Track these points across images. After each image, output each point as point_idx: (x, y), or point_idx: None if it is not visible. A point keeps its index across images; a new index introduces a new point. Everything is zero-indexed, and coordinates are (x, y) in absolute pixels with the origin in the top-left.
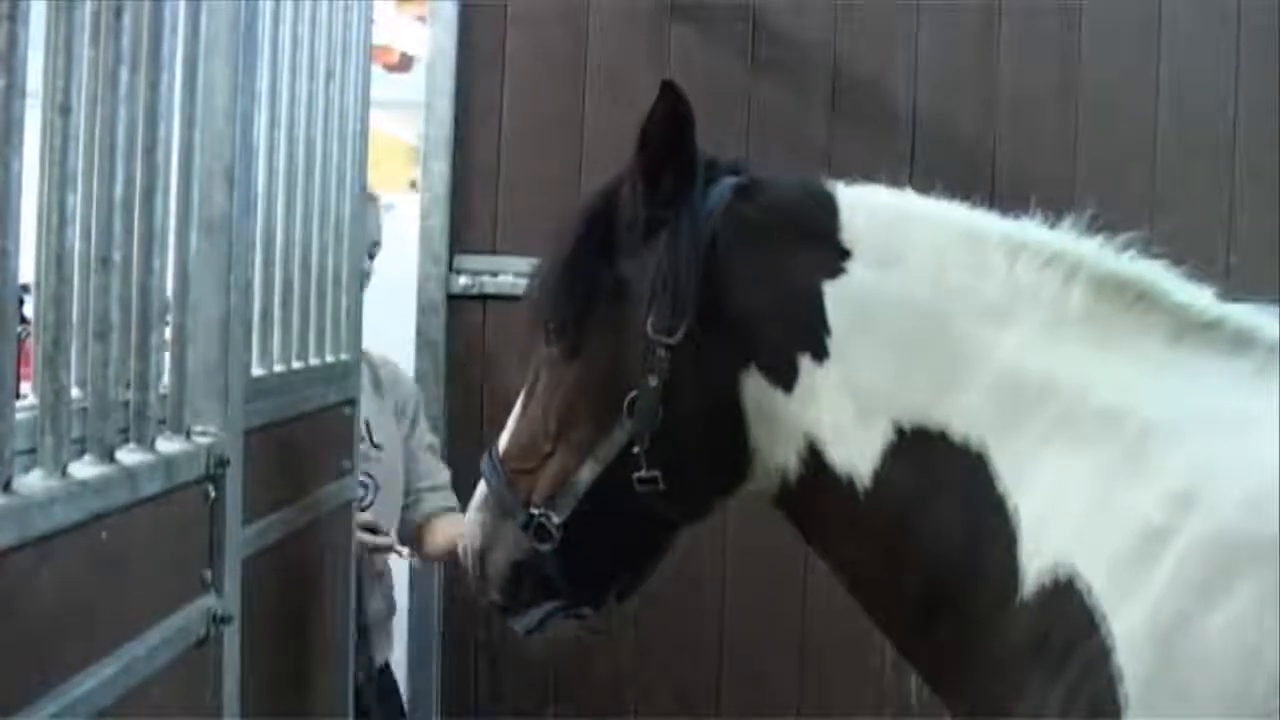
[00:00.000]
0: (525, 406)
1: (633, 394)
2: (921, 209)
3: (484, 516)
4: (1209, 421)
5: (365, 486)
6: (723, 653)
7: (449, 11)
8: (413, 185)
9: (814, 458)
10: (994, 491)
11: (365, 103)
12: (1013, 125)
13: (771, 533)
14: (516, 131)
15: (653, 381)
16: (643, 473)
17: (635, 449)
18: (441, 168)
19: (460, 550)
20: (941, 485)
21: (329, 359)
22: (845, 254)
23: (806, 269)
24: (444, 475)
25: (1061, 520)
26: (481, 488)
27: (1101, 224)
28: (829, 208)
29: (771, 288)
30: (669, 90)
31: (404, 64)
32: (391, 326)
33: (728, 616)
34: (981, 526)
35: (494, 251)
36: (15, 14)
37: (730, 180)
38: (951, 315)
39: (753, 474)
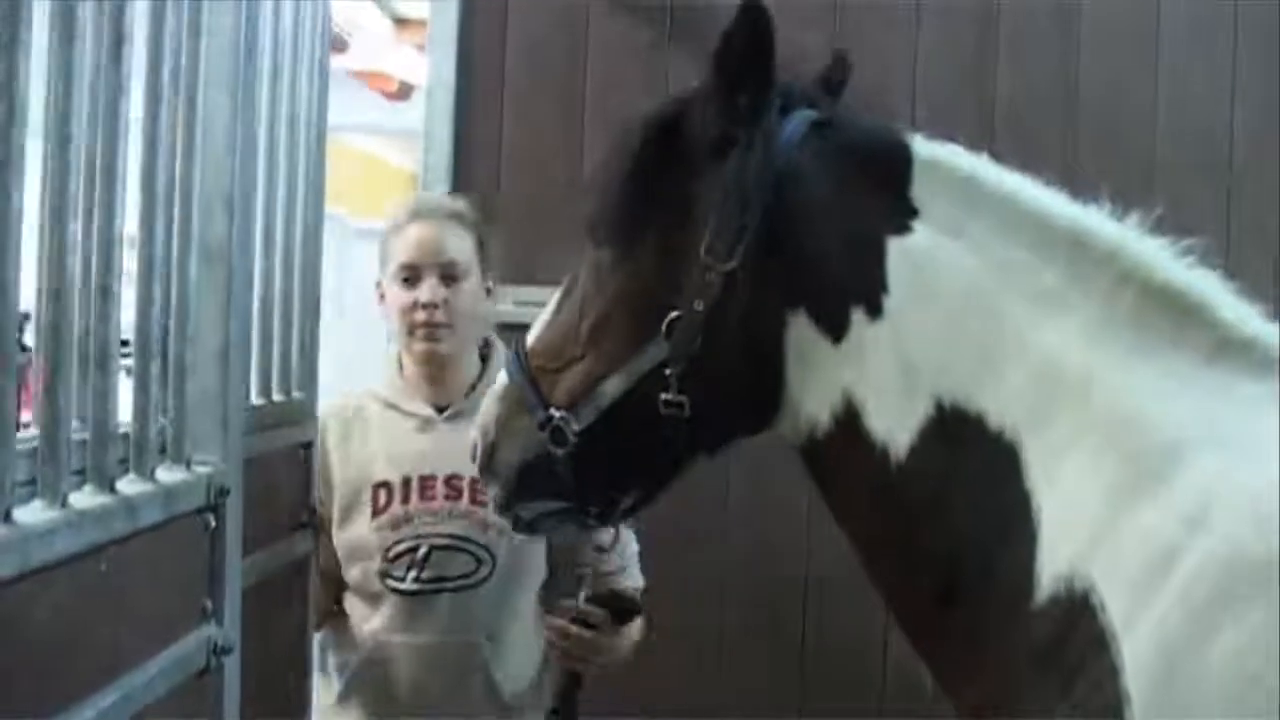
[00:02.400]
0: (560, 305)
1: (674, 315)
2: (995, 180)
3: (501, 409)
4: (1227, 443)
5: (479, 561)
6: (723, 653)
7: (448, 40)
8: None
9: (849, 417)
10: (1020, 486)
11: (322, 114)
12: (1010, 141)
13: (775, 533)
14: (515, 160)
15: (698, 306)
16: (670, 395)
17: (667, 370)
18: None
19: (471, 442)
20: (971, 471)
21: (277, 397)
22: (913, 212)
23: (873, 220)
24: (631, 549)
25: (1080, 528)
26: (502, 379)
27: (1169, 223)
28: (904, 160)
29: (836, 232)
30: (753, 7)
31: (403, 92)
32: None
33: (728, 616)
34: (1004, 521)
35: None
36: (15, 44)
37: (808, 113)
38: (1005, 296)
39: (780, 419)
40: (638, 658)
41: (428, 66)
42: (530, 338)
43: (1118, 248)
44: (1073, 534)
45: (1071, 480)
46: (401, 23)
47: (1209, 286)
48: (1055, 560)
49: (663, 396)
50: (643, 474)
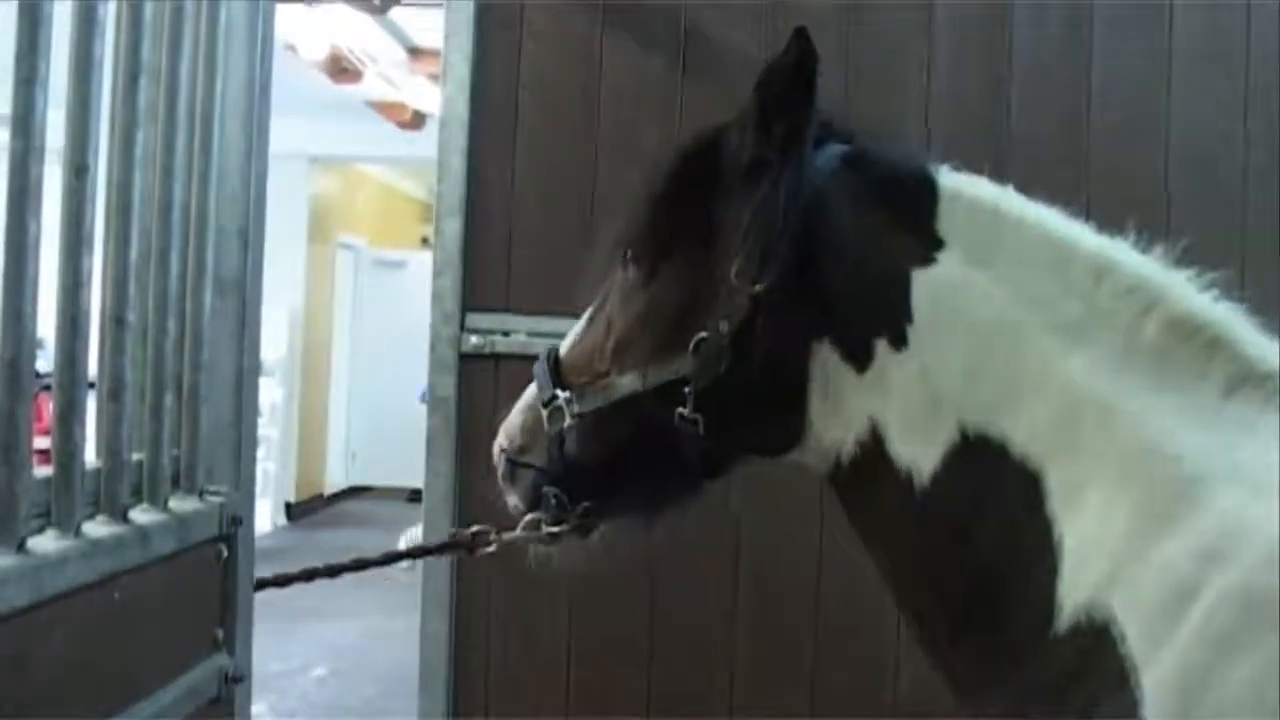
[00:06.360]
0: (590, 322)
1: (701, 335)
2: (1019, 211)
3: (526, 417)
4: (1246, 477)
5: None
6: (736, 655)
7: (462, 70)
8: (424, 242)
9: (875, 444)
10: (1043, 514)
11: (261, 142)
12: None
13: (784, 537)
14: (528, 191)
15: (724, 328)
16: (686, 411)
17: (687, 388)
18: (454, 226)
19: (496, 447)
20: (995, 498)
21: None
22: (939, 244)
23: (899, 252)
24: None
25: (1100, 558)
26: (532, 389)
27: (1191, 257)
28: (930, 194)
29: (861, 264)
30: (800, 36)
31: (416, 121)
32: (403, 384)
33: (739, 620)
34: (1027, 548)
35: (506, 310)
36: (34, 78)
37: (839, 147)
38: (1029, 326)
39: (804, 445)
40: (648, 670)
41: (441, 99)
42: (563, 348)
43: (1141, 280)
44: (1093, 564)
45: (1093, 510)
46: (415, 52)
47: (1231, 320)
48: (1076, 589)
49: (679, 410)
50: (636, 480)
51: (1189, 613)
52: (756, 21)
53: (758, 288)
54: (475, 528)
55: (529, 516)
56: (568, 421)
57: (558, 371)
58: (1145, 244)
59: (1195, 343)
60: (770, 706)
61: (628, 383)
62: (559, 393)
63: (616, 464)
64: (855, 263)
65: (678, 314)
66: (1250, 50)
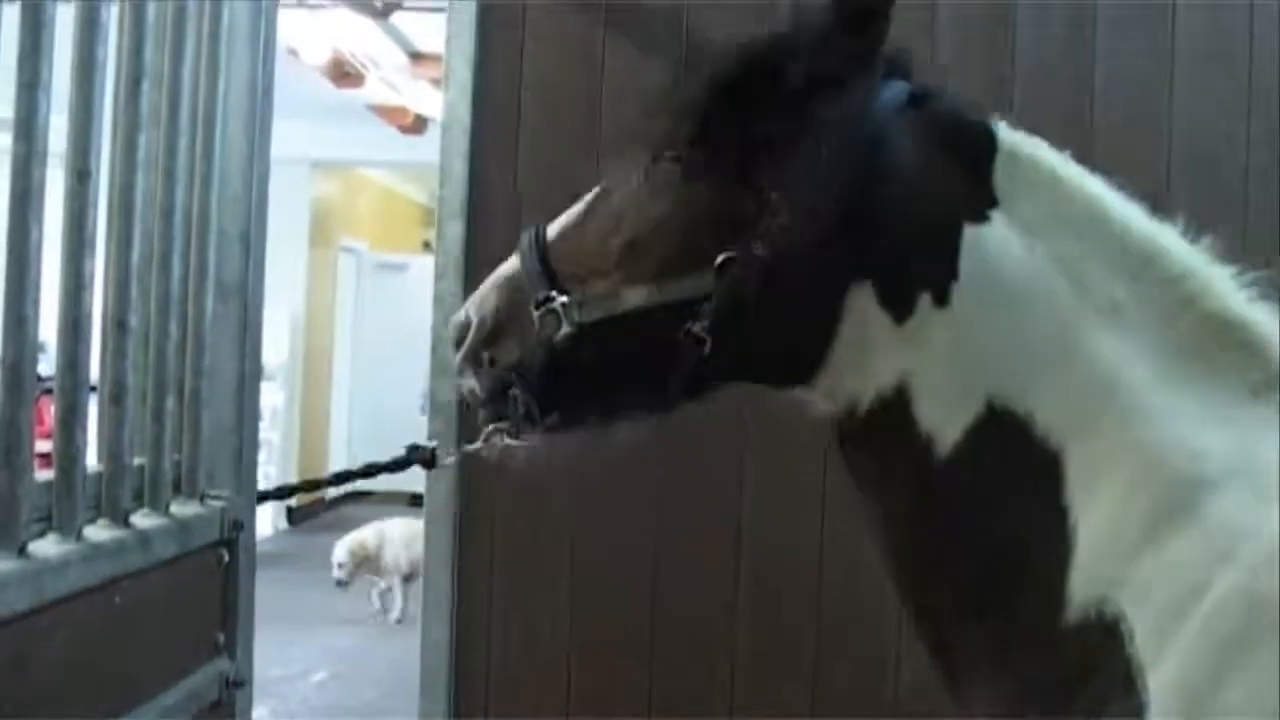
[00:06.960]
0: (592, 211)
1: (729, 254)
2: (1076, 181)
3: (502, 297)
4: (1261, 480)
5: None
6: (736, 649)
7: (463, 74)
8: (426, 246)
9: (899, 403)
10: (1060, 499)
11: (263, 146)
12: None
13: (785, 530)
14: (530, 193)
15: (758, 250)
16: (697, 328)
17: (705, 305)
18: (456, 230)
19: (454, 323)
20: (1014, 476)
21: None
22: (993, 201)
23: (953, 203)
24: None
25: (1113, 551)
26: (513, 263)
27: (1229, 253)
28: (989, 146)
29: (915, 209)
30: None
31: (418, 126)
32: (404, 388)
33: (740, 613)
34: (1041, 533)
35: None
36: (37, 81)
37: (902, 81)
38: (1072, 304)
39: (814, 384)
40: (649, 669)
41: (443, 104)
42: (551, 231)
43: (1185, 272)
44: (1106, 557)
45: (1110, 501)
46: (417, 57)
47: (1266, 321)
48: (1087, 582)
49: (689, 326)
50: (615, 393)
51: (1195, 613)
52: (759, 23)
53: (805, 216)
54: (435, 443)
55: (492, 426)
56: (563, 330)
57: (546, 259)
58: (1192, 233)
59: (1227, 341)
60: (770, 703)
61: (636, 295)
62: (555, 295)
63: (602, 375)
64: (909, 207)
65: (706, 227)
66: (1253, 51)
